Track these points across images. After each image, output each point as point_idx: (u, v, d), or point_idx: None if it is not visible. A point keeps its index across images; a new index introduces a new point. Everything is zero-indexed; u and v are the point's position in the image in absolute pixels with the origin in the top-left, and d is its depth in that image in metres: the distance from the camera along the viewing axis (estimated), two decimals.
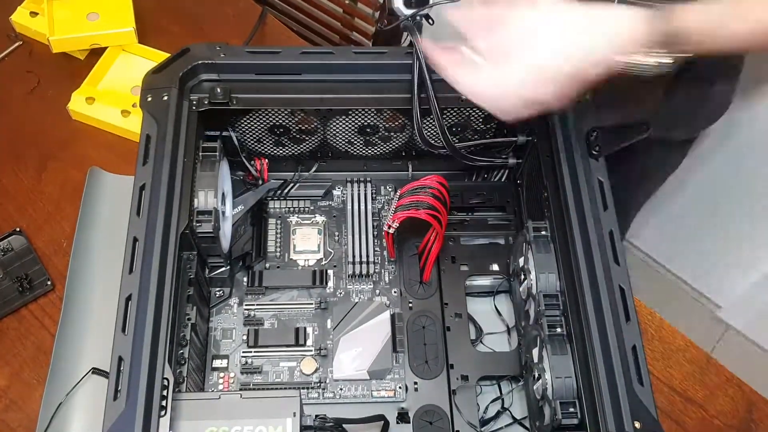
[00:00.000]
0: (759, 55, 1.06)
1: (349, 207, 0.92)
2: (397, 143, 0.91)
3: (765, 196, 1.34)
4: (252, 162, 0.91)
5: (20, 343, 0.87)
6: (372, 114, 0.85)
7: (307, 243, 0.91)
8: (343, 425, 0.73)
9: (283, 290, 0.87)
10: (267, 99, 0.81)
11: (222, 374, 0.81)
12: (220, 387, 0.81)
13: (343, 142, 0.90)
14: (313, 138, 0.89)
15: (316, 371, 0.82)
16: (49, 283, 0.89)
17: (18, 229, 0.93)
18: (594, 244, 0.71)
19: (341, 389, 0.81)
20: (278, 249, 0.90)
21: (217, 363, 0.82)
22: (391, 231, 0.81)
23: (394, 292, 0.88)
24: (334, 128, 0.87)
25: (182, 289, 0.75)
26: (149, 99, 0.76)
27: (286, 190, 0.93)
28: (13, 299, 0.89)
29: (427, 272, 0.86)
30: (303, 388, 0.81)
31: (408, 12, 0.77)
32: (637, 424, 0.62)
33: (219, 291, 0.86)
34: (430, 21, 0.77)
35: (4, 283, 0.89)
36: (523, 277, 0.80)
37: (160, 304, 0.66)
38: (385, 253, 0.90)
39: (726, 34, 0.59)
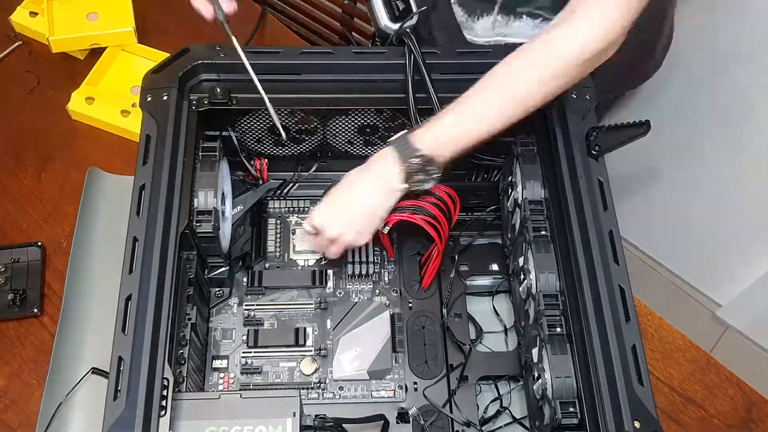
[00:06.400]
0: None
1: None
2: None
3: (765, 195, 1.34)
4: (252, 162, 0.91)
5: (20, 343, 0.87)
6: (372, 114, 0.85)
7: (306, 243, 0.91)
8: (343, 425, 0.73)
9: (283, 290, 0.87)
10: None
11: (222, 374, 0.81)
12: (220, 387, 0.81)
13: (343, 142, 0.90)
14: (312, 138, 0.89)
15: (315, 371, 0.82)
16: (36, 310, 0.88)
17: (39, 243, 0.92)
18: (594, 243, 0.71)
19: (341, 389, 0.81)
20: (278, 249, 0.90)
21: (217, 363, 0.82)
22: (385, 231, 0.81)
23: (394, 292, 0.88)
24: (334, 128, 0.87)
25: (182, 289, 0.75)
26: (149, 99, 0.76)
27: (285, 190, 0.93)
28: (1, 311, 0.88)
29: (426, 280, 0.87)
30: (303, 389, 0.81)
31: (395, 26, 0.80)
32: (637, 424, 0.63)
33: (219, 291, 0.86)
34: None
35: (2, 290, 0.89)
36: (522, 277, 0.80)
37: (160, 304, 0.66)
38: (384, 253, 0.90)
39: (458, 144, 0.72)
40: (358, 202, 0.76)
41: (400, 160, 0.73)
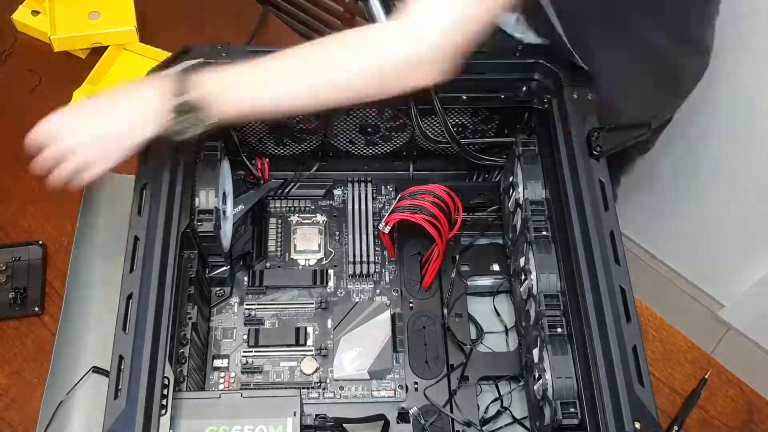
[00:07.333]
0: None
1: (349, 206, 0.92)
2: (398, 143, 0.91)
3: (766, 195, 1.34)
4: (253, 161, 0.91)
5: (21, 341, 0.87)
6: (373, 113, 0.85)
7: (307, 242, 0.91)
8: (344, 425, 0.73)
9: (284, 290, 0.87)
10: None
11: (223, 374, 0.81)
12: (221, 386, 0.81)
13: (344, 142, 0.90)
14: (313, 137, 0.89)
15: (316, 371, 0.82)
16: (36, 308, 0.88)
17: (40, 242, 0.92)
18: (595, 244, 0.71)
19: (341, 389, 0.81)
20: (279, 248, 0.90)
21: (217, 363, 0.82)
22: (386, 231, 0.81)
23: (395, 291, 0.88)
24: (335, 128, 0.87)
25: (183, 288, 0.75)
26: None
27: (286, 190, 0.93)
28: (2, 309, 0.88)
29: (427, 280, 0.87)
30: (303, 388, 0.81)
31: None
32: (638, 425, 0.62)
33: (220, 290, 0.86)
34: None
35: (3, 289, 0.89)
36: (523, 277, 0.80)
37: (160, 303, 0.66)
38: (385, 252, 0.90)
39: (243, 99, 0.68)
40: (109, 118, 0.69)
41: (172, 93, 0.66)
